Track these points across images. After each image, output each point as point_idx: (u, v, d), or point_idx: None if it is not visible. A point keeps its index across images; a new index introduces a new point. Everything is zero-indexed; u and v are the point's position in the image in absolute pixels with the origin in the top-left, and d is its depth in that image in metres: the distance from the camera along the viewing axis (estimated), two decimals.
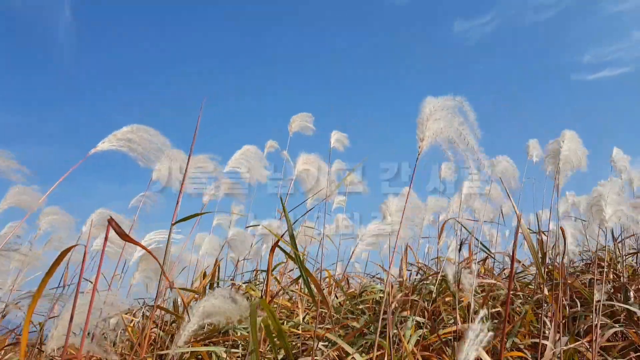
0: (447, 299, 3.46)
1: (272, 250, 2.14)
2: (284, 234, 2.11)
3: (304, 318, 2.91)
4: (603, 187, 2.09)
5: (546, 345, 2.62)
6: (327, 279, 4.28)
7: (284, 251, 2.11)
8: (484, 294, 3.67)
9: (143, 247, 1.46)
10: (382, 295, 3.69)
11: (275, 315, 1.46)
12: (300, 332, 2.65)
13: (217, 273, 2.78)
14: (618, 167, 3.24)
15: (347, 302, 3.65)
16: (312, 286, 2.26)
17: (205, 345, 2.21)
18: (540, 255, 2.79)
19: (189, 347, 2.04)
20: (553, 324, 2.28)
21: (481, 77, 11.00)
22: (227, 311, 1.33)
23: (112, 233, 2.14)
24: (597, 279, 3.93)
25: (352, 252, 2.25)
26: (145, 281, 1.80)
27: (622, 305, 3.07)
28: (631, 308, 2.80)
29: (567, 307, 3.40)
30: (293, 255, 1.99)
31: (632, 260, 4.25)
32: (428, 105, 1.63)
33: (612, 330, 2.47)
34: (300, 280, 2.63)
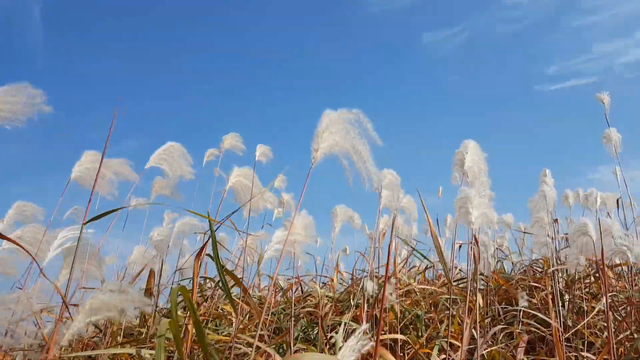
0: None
1: (198, 255, 2.22)
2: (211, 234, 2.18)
3: (241, 322, 3.06)
4: (469, 190, 2.18)
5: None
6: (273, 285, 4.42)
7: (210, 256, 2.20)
8: (426, 299, 3.87)
9: (14, 242, 1.59)
10: (325, 299, 3.86)
11: (178, 335, 1.54)
12: (224, 338, 2.80)
13: (152, 279, 2.85)
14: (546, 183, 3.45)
15: (291, 306, 3.80)
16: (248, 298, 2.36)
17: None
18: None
19: (106, 349, 2.13)
20: (467, 326, 2.47)
21: (453, 89, 11.27)
22: (118, 304, 1.33)
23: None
24: (523, 286, 4.17)
25: (260, 260, 2.33)
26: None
27: (538, 314, 3.28)
28: (544, 316, 3.01)
29: (498, 312, 3.62)
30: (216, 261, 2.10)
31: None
32: (325, 117, 1.62)
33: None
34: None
